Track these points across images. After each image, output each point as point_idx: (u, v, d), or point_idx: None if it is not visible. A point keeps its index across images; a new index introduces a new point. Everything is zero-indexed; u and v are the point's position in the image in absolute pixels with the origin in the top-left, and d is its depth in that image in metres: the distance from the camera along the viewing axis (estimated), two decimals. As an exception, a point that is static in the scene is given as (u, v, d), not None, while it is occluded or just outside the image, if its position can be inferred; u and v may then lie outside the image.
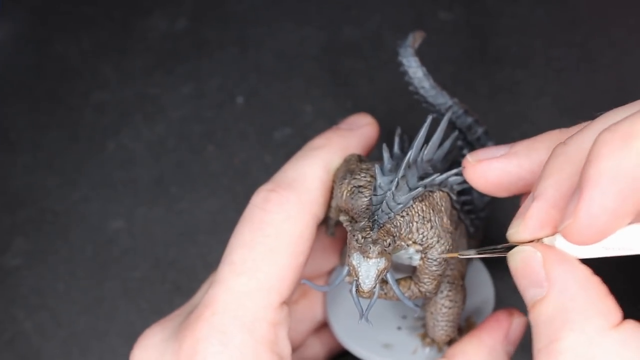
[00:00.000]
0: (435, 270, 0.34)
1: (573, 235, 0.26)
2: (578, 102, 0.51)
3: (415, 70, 0.39)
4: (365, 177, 0.35)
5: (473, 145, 0.40)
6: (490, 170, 0.33)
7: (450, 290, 0.36)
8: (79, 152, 0.53)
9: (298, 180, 0.37)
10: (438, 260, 0.34)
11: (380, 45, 0.54)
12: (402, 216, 0.33)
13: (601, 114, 0.30)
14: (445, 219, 0.34)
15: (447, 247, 0.34)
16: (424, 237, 0.34)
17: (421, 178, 0.34)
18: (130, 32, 0.56)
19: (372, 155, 0.41)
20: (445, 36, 0.54)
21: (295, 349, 0.41)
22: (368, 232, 0.32)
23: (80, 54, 0.56)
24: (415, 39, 0.40)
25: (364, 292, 0.31)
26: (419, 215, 0.34)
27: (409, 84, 0.39)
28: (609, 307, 0.27)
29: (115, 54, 0.56)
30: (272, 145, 0.52)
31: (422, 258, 0.34)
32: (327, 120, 0.53)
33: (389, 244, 0.32)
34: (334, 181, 0.37)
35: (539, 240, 0.29)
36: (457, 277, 0.37)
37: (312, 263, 0.40)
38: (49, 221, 0.51)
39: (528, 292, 0.28)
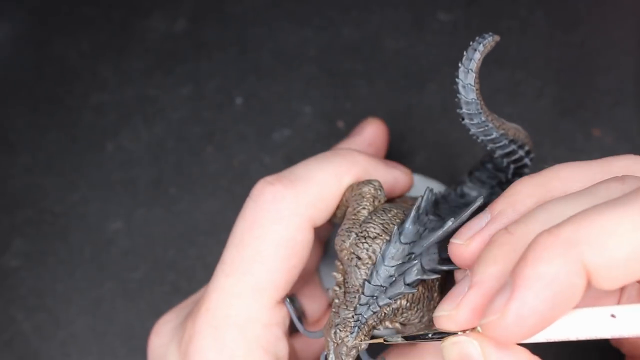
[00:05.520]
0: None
1: (496, 331, 0.25)
2: (578, 103, 0.51)
3: (469, 103, 0.33)
4: (368, 249, 0.32)
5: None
6: (483, 242, 0.30)
7: None
8: (78, 153, 0.53)
9: (303, 179, 0.35)
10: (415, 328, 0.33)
11: (379, 46, 0.54)
12: (389, 305, 0.32)
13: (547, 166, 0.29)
14: (435, 296, 0.33)
15: (428, 323, 0.33)
16: (405, 319, 0.32)
17: (423, 268, 0.31)
18: (130, 33, 0.56)
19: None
20: (445, 37, 0.54)
21: None
22: (347, 335, 0.31)
23: (79, 55, 0.56)
24: (484, 49, 0.33)
25: None
26: (407, 301, 0.32)
27: (459, 107, 0.34)
28: None
29: (114, 55, 0.56)
30: (271, 146, 0.52)
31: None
32: (326, 121, 0.52)
33: (364, 342, 0.31)
34: (344, 194, 0.36)
35: (473, 329, 0.28)
36: None
37: None
38: (48, 222, 0.51)
39: None
